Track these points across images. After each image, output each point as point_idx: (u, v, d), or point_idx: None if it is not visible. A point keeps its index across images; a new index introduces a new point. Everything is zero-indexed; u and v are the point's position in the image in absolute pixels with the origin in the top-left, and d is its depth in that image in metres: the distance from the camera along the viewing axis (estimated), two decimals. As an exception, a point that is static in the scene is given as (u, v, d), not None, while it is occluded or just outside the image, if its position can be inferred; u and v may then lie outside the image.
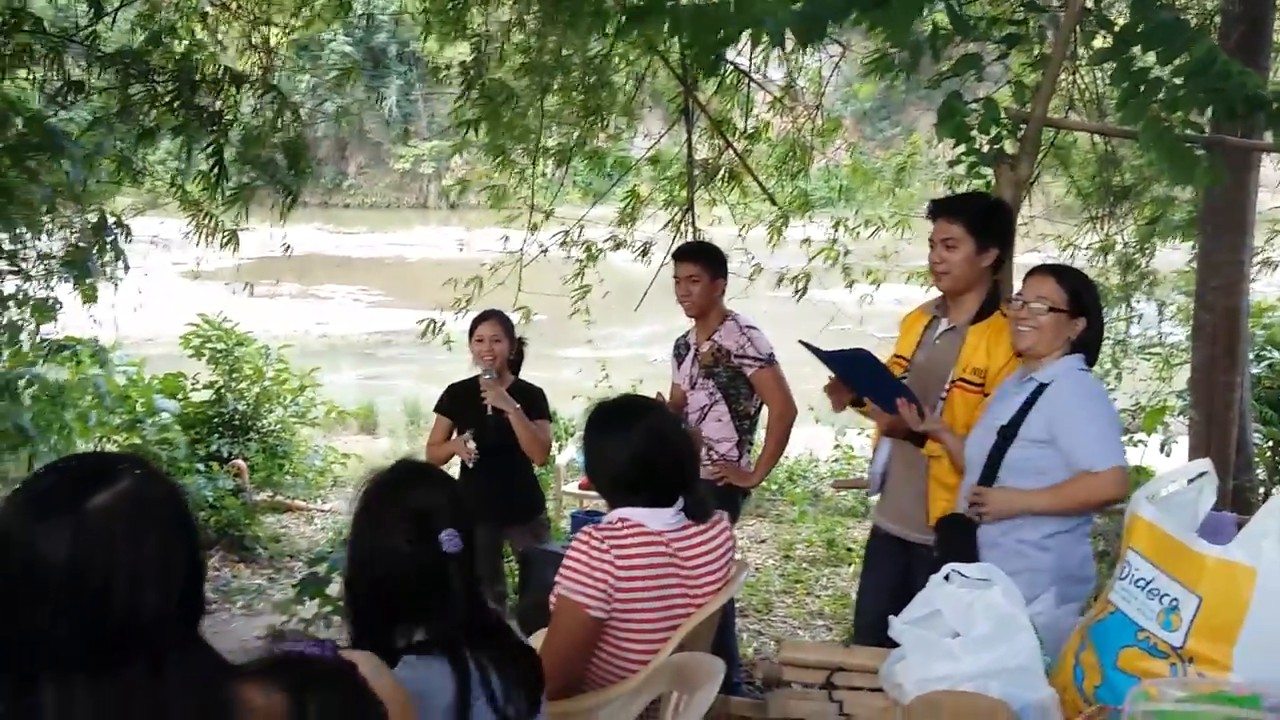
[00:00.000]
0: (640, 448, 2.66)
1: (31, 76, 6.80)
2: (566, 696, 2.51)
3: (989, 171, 3.99)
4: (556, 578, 2.62)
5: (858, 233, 8.66)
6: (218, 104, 6.80)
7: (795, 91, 8.71)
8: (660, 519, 2.65)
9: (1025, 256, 4.09)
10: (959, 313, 3.66)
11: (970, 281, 3.59)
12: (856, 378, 3.63)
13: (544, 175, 8.95)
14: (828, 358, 3.60)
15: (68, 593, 1.20)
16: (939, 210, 3.64)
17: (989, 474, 3.21)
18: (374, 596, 2.04)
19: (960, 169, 4.09)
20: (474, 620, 2.06)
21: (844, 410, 3.81)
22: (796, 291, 8.16)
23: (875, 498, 4.10)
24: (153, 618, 1.24)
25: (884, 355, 3.75)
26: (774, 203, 8.27)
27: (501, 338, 4.90)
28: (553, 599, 2.61)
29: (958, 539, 3.23)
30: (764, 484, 9.64)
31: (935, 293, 3.88)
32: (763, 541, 8.60)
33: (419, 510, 2.02)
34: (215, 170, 6.46)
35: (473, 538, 2.09)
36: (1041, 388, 3.16)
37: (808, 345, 3.69)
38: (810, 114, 8.68)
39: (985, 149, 3.89)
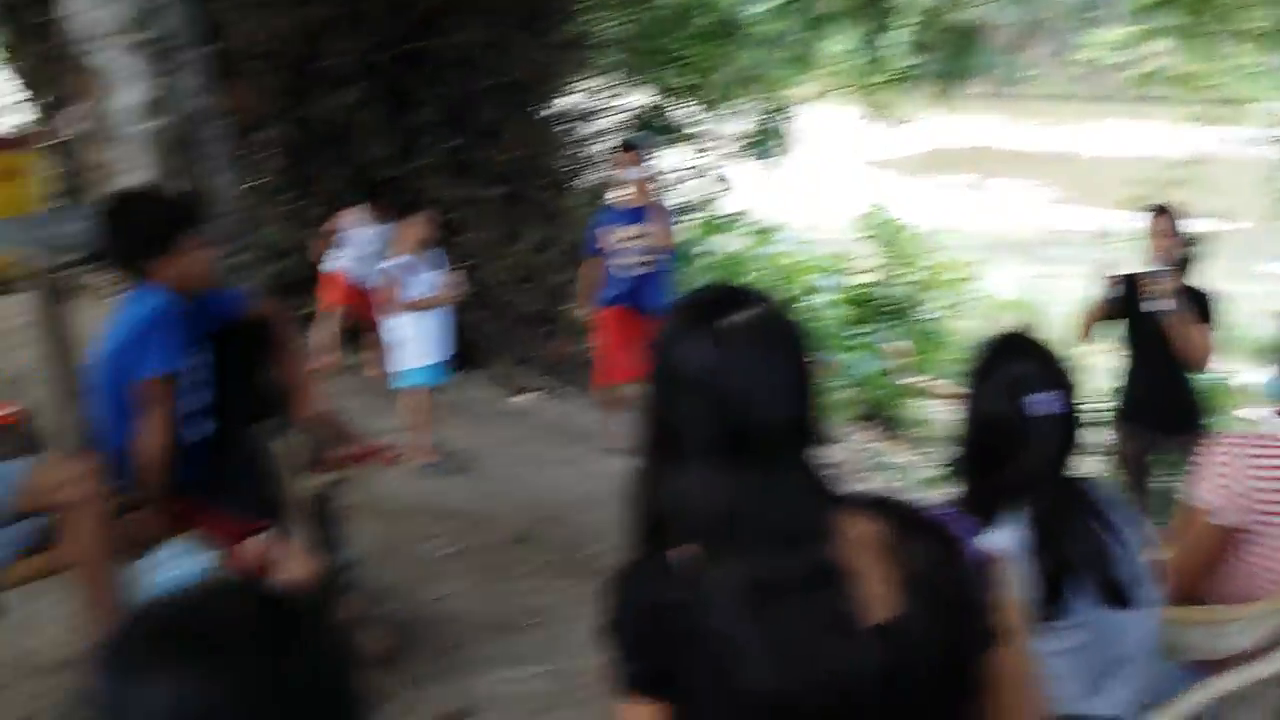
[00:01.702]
0: None
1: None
2: (1188, 604, 2.34)
3: None
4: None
5: None
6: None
7: None
8: None
9: None
10: None
11: None
12: None
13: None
14: None
15: (707, 394, 1.39)
16: None
17: None
18: (970, 456, 2.14)
19: None
20: (1058, 488, 2.04)
21: None
22: None
23: None
24: (777, 424, 1.39)
25: None
26: None
27: (1169, 234, 4.59)
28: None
29: None
30: None
31: None
32: None
33: (1009, 375, 2.07)
34: (883, 57, 6.60)
35: (1071, 407, 2.07)
36: None
37: None
38: None
39: None
